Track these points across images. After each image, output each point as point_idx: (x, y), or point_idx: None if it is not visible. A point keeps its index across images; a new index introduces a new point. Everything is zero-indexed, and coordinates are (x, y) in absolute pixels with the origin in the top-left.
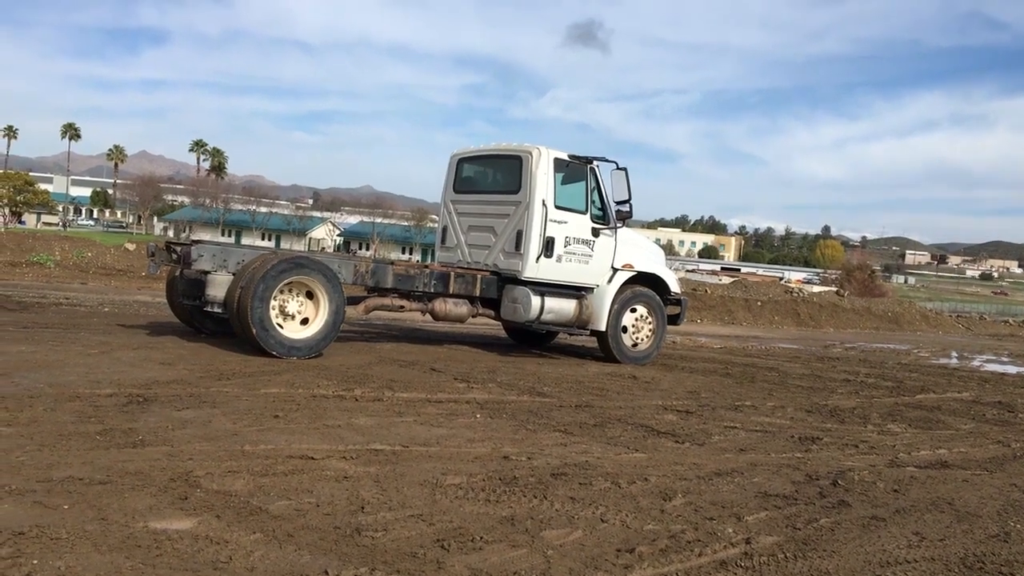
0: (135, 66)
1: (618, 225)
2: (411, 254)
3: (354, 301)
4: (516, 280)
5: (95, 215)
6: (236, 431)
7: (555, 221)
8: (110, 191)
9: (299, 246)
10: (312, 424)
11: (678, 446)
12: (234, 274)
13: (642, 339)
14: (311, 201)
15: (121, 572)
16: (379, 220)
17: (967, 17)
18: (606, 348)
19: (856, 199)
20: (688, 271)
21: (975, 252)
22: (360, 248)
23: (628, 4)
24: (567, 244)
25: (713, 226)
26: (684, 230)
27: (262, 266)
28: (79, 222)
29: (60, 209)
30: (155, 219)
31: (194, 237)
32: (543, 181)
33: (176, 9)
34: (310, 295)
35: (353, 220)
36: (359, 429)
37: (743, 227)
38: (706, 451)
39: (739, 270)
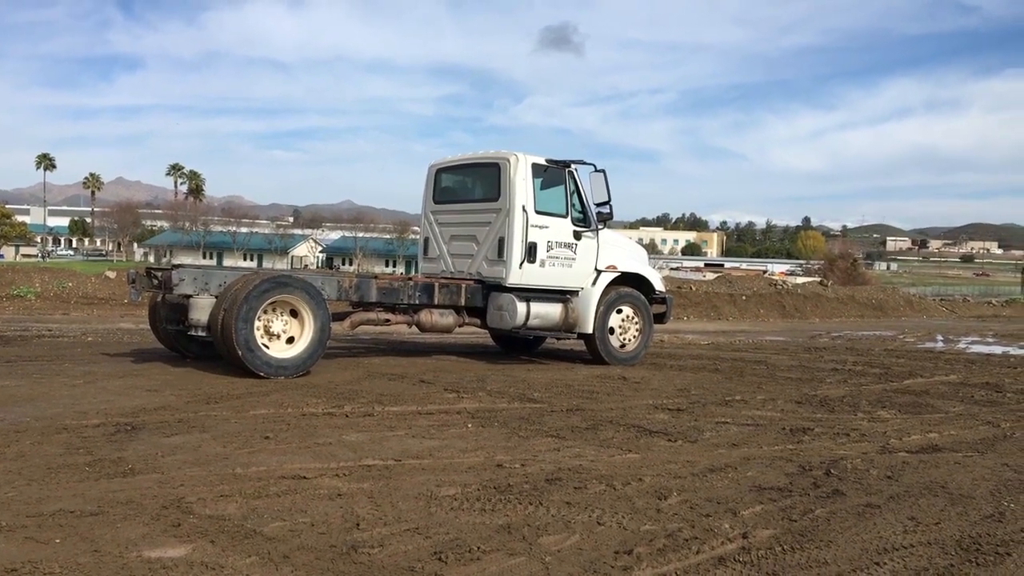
0: (109, 93)
1: (599, 227)
2: (394, 267)
3: (339, 317)
4: (501, 287)
5: (74, 244)
6: (226, 454)
7: (536, 226)
8: (88, 220)
9: (281, 264)
10: (303, 443)
11: (671, 444)
12: (217, 296)
13: (629, 339)
14: (291, 219)
15: None
16: (361, 234)
17: (936, 2)
18: (594, 350)
19: (835, 189)
20: (672, 269)
21: (955, 235)
22: (343, 263)
23: (601, 6)
24: (550, 248)
25: (695, 223)
26: (666, 228)
27: (244, 287)
28: (58, 252)
29: (39, 240)
30: (135, 245)
31: (175, 261)
32: (522, 187)
33: (149, 34)
34: (294, 313)
35: (335, 236)
36: (350, 445)
37: (724, 222)
38: (699, 448)
39: (722, 265)
